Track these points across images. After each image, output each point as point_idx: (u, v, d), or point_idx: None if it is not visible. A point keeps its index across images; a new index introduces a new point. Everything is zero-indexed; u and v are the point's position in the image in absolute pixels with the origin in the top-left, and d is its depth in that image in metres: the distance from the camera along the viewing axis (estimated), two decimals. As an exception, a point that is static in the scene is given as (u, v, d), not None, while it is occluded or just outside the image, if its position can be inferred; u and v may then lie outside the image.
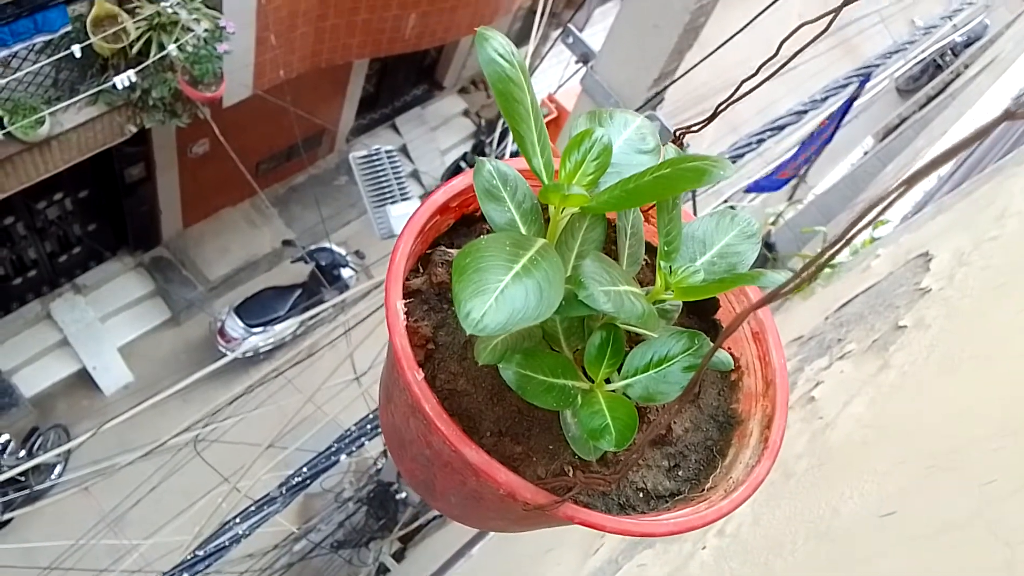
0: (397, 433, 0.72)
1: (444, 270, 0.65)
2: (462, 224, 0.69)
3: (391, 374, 0.67)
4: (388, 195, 5.02)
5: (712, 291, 0.56)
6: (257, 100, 7.09)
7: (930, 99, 9.63)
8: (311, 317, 6.16)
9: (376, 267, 8.31)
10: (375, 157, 5.06)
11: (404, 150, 9.68)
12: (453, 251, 0.66)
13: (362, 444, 3.22)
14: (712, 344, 0.58)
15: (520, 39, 10.26)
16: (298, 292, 8.31)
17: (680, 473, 0.67)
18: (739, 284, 0.53)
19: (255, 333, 7.72)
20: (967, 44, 11.02)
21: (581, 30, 9.20)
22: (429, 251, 0.67)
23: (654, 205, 0.68)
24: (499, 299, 0.45)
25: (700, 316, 0.71)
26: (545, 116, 4.35)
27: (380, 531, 4.74)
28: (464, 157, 9.35)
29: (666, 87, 3.47)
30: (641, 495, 0.65)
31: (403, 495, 4.63)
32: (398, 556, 4.54)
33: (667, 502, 0.65)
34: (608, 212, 0.52)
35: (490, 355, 0.56)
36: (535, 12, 9.53)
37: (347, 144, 9.73)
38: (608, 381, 0.58)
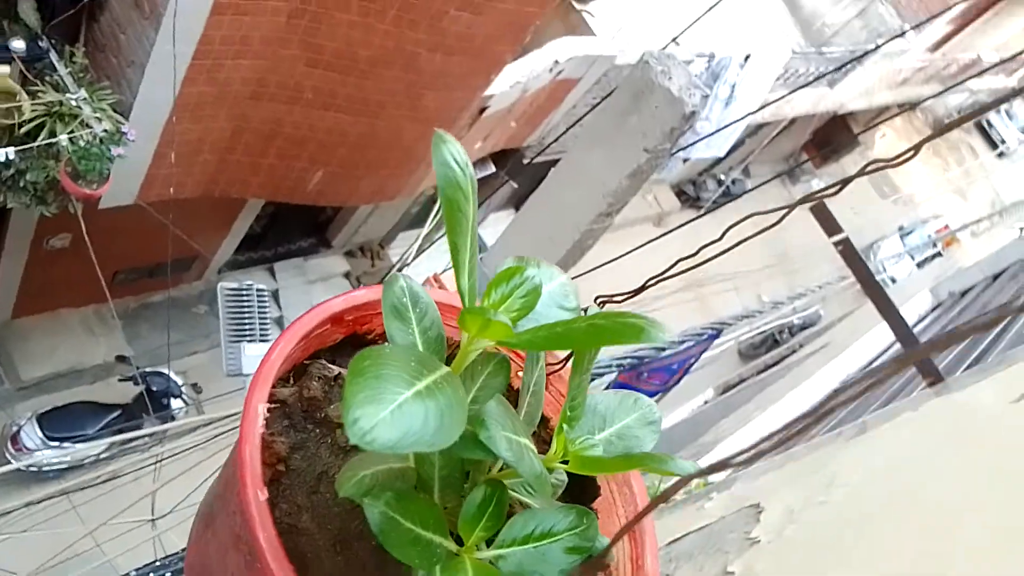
0: (206, 569, 0.60)
1: (319, 385, 0.58)
2: (350, 343, 0.63)
3: (223, 492, 0.57)
4: (247, 333, 4.80)
5: (613, 468, 0.51)
6: (136, 210, 6.83)
7: (768, 367, 10.52)
8: (123, 441, 5.58)
9: (210, 405, 7.77)
10: (245, 292, 4.88)
11: (275, 295, 9.45)
12: (334, 367, 0.59)
13: (139, 597, 2.80)
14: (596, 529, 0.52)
15: (416, 222, 10.58)
16: (116, 413, 7.58)
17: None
18: (645, 466, 0.49)
19: (51, 447, 6.89)
20: (802, 327, 12.38)
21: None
22: (307, 362, 0.60)
23: (558, 370, 0.65)
24: (395, 413, 0.39)
25: (577, 501, 0.65)
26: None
27: None
28: (334, 316, 9.20)
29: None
30: None
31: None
32: None
33: None
34: (526, 350, 0.47)
35: (355, 487, 0.47)
36: (435, 201, 9.91)
37: (217, 275, 9.42)
38: (479, 548, 0.50)
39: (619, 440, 0.57)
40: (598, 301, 0.60)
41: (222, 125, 6.71)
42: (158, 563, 3.01)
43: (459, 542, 0.50)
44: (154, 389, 7.54)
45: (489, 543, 0.51)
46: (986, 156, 17.69)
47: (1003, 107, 19.37)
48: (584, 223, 3.82)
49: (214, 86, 6.26)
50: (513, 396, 0.60)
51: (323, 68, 6.49)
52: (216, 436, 4.28)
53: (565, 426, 0.52)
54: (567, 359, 0.65)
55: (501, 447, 0.44)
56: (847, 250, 2.91)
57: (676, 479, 0.39)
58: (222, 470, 0.60)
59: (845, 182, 0.59)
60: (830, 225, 2.89)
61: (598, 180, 3.59)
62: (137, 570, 2.83)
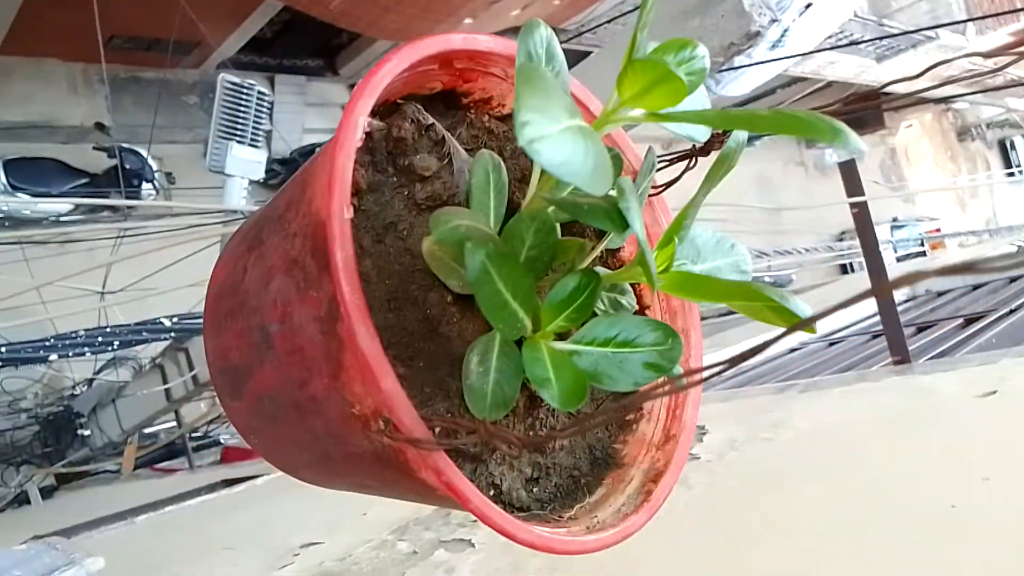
0: (237, 295, 0.55)
1: (411, 128, 0.52)
2: (443, 100, 0.56)
3: (283, 213, 0.51)
4: (238, 133, 4.64)
5: (719, 295, 0.47)
6: (151, -26, 6.47)
7: (729, 312, 10.73)
8: (90, 207, 5.46)
9: (181, 196, 7.63)
10: (246, 91, 4.68)
11: (270, 107, 9.16)
12: (428, 116, 0.53)
13: (83, 354, 2.78)
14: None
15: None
16: (84, 180, 7.40)
17: (535, 490, 0.56)
18: (759, 299, 0.44)
19: (14, 194, 6.72)
20: (772, 285, 12.61)
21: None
22: (400, 102, 0.53)
23: (657, 194, 0.60)
24: (561, 135, 0.33)
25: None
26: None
27: (40, 458, 4.10)
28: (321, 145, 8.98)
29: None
30: (492, 492, 0.53)
31: (87, 432, 4.06)
32: (47, 492, 3.94)
33: (514, 512, 0.53)
34: (695, 123, 0.41)
35: (450, 232, 0.43)
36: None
37: (215, 70, 9.06)
38: (557, 339, 0.46)
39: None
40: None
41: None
42: (109, 330, 2.99)
43: (538, 328, 0.46)
44: (127, 166, 7.36)
45: (564, 337, 0.47)
46: (998, 174, 17.66)
47: (1031, 133, 19.20)
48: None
49: None
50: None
51: None
52: (187, 227, 4.21)
53: (676, 238, 0.47)
54: (667, 185, 0.60)
55: (636, 223, 0.39)
56: (862, 214, 2.86)
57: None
58: (283, 191, 0.55)
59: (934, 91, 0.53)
60: (854, 185, 2.84)
61: (640, 75, 3.46)
62: (87, 330, 2.80)
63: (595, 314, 0.51)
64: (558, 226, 0.49)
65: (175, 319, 3.75)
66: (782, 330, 0.45)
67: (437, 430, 0.44)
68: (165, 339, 3.83)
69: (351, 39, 9.69)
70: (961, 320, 4.79)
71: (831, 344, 5.90)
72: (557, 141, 0.33)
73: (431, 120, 0.53)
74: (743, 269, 0.55)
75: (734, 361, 0.33)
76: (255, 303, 0.53)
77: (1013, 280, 6.34)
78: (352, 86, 10.49)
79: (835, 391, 2.26)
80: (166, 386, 4.14)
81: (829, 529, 1.72)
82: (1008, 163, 18.83)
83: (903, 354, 3.11)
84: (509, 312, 0.43)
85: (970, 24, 12.57)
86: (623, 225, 0.40)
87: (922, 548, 1.49)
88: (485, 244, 0.42)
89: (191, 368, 3.99)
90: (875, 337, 5.03)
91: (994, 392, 1.89)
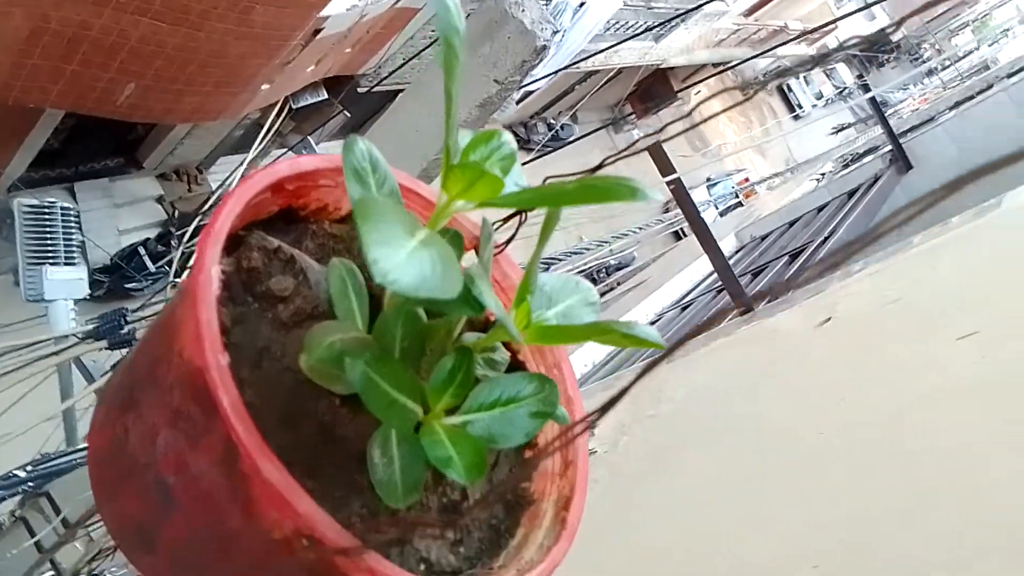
0: (122, 458, 0.55)
1: (260, 256, 0.54)
2: (282, 218, 0.59)
3: (151, 369, 0.52)
4: (50, 255, 4.35)
5: (575, 337, 0.52)
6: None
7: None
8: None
9: (6, 334, 7.03)
10: (47, 210, 4.40)
11: (77, 218, 8.60)
12: (273, 239, 0.56)
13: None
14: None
15: (239, 147, 9.98)
16: None
17: (462, 550, 0.60)
18: (610, 334, 0.50)
19: None
20: (617, 268, 13.27)
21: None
22: (243, 233, 0.55)
23: (498, 253, 0.65)
24: (409, 258, 0.37)
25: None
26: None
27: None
28: (145, 243, 8.54)
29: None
30: (423, 567, 0.56)
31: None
32: None
33: (450, 580, 0.57)
34: (513, 207, 0.46)
35: (326, 351, 0.45)
36: (260, 125, 9.40)
37: (7, 194, 8.42)
38: (446, 415, 0.50)
39: (564, 319, 0.58)
40: (547, 181, 0.60)
41: (17, 24, 5.92)
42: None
43: (428, 409, 0.50)
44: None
45: (452, 412, 0.51)
46: (784, 117, 19.34)
47: (802, 74, 21.22)
48: (431, 152, 3.77)
49: (6, -23, 5.52)
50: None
51: (138, -33, 5.89)
52: (18, 367, 3.89)
53: (528, 296, 0.52)
54: (507, 243, 0.65)
55: (491, 302, 0.44)
56: (678, 189, 3.08)
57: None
58: (143, 348, 0.56)
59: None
60: (665, 165, 3.04)
61: (448, 108, 3.55)
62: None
63: (477, 380, 0.56)
64: (422, 312, 0.53)
65: (29, 468, 3.47)
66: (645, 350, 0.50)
67: (359, 533, 0.46)
68: (22, 492, 3.53)
69: (148, 129, 9.28)
70: (787, 257, 5.22)
71: (683, 309, 6.23)
72: (407, 265, 0.37)
73: (277, 243, 0.55)
74: (591, 301, 0.61)
75: (606, 408, 0.38)
76: (146, 460, 0.53)
77: (820, 210, 6.96)
78: (162, 176, 10.05)
79: (698, 353, 2.42)
80: (35, 539, 3.80)
81: (726, 479, 1.84)
82: (790, 106, 20.76)
83: (746, 303, 3.35)
84: (399, 407, 0.46)
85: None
86: (480, 308, 0.45)
87: (804, 473, 1.64)
88: (362, 353, 0.45)
89: (57, 512, 3.69)
90: (720, 292, 5.37)
91: (828, 319, 2.10)
